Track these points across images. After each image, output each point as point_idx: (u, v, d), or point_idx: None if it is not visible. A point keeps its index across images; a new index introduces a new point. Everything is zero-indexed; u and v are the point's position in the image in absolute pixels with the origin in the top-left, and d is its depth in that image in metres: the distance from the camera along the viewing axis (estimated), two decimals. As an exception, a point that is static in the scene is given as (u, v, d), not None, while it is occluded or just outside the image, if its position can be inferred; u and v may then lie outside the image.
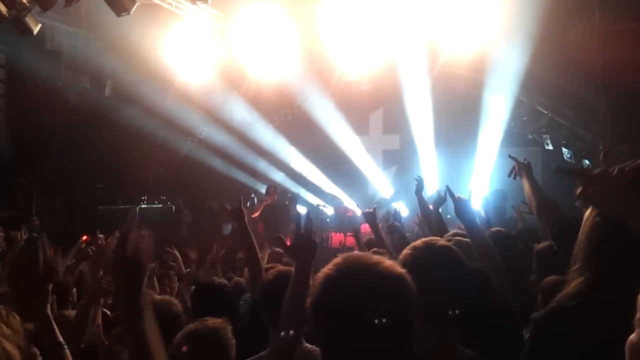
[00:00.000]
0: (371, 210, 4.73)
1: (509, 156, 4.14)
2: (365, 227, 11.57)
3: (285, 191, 12.31)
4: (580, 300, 1.40)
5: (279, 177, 13.28)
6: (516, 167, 4.01)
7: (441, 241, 2.66)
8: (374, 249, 4.00)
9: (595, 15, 7.92)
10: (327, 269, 1.42)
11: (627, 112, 7.93)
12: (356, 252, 1.56)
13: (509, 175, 4.11)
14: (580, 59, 7.88)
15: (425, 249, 2.23)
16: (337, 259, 1.44)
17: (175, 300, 3.17)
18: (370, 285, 1.36)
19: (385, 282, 1.37)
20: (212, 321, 2.53)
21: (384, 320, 1.32)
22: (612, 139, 3.88)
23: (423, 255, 2.13)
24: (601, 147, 3.72)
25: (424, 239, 2.68)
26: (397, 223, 5.11)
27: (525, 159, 4.04)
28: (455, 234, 3.66)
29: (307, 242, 2.35)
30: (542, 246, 3.99)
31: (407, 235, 6.03)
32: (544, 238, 4.72)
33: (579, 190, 1.41)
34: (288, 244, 2.47)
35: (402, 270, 1.42)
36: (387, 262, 1.42)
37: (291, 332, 2.26)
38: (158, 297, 3.16)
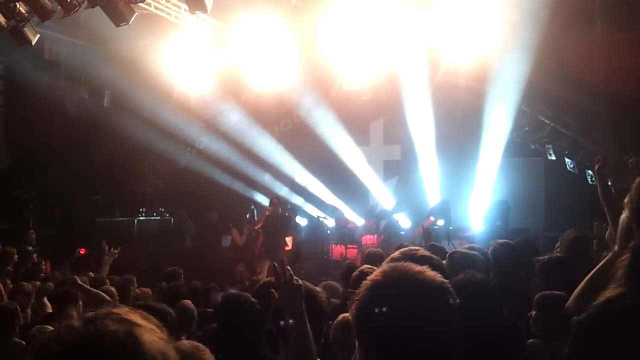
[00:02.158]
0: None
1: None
2: (366, 239, 11.48)
3: (285, 202, 12.22)
4: (624, 304, 1.42)
5: (279, 188, 13.20)
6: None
7: (421, 251, 2.59)
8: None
9: (597, 24, 7.88)
10: (374, 275, 1.49)
11: (629, 121, 7.87)
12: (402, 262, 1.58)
13: None
14: (582, 68, 7.84)
15: (403, 260, 2.22)
16: (384, 267, 1.52)
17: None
18: (416, 292, 1.42)
19: (430, 290, 1.43)
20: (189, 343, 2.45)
21: (427, 326, 1.38)
22: (604, 154, 3.76)
23: None
24: (597, 158, 3.62)
25: (402, 249, 2.62)
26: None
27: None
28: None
29: (291, 289, 2.28)
30: (546, 259, 3.89)
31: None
32: (543, 251, 4.64)
33: None
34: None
35: (445, 281, 1.47)
36: (431, 272, 1.48)
37: None
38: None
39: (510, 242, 4.76)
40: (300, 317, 2.23)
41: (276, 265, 2.33)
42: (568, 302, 2.71)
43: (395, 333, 1.38)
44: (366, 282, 1.47)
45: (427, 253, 2.61)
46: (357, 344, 1.50)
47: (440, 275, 1.48)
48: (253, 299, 3.74)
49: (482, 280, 3.00)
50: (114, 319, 1.03)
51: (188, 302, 4.54)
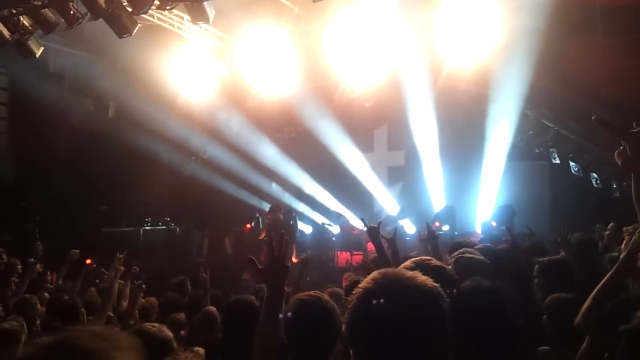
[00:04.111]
0: (375, 225, 4.51)
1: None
2: (371, 245, 11.45)
3: (289, 210, 12.21)
4: None
5: (283, 195, 13.20)
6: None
7: (434, 261, 2.61)
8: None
9: (598, 27, 7.89)
10: (365, 282, 1.46)
11: (631, 123, 7.85)
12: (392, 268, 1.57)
13: None
14: (584, 71, 7.85)
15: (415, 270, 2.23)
16: (375, 274, 1.48)
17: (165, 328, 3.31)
18: (408, 298, 1.40)
19: (422, 296, 1.41)
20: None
21: (420, 332, 1.36)
22: None
23: None
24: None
25: (414, 259, 2.64)
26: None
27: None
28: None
29: (279, 266, 2.32)
30: (545, 261, 3.86)
31: (414, 252, 5.93)
32: (552, 253, 4.62)
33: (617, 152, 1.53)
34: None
35: (437, 285, 1.45)
36: (423, 277, 1.46)
37: None
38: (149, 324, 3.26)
39: (514, 245, 4.76)
40: (278, 294, 2.26)
41: (273, 235, 2.39)
42: (577, 318, 2.68)
43: (388, 340, 1.37)
44: (357, 290, 1.46)
45: (439, 263, 2.63)
46: (351, 353, 1.48)
47: (432, 280, 1.46)
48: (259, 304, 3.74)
49: (489, 286, 3.00)
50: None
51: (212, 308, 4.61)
